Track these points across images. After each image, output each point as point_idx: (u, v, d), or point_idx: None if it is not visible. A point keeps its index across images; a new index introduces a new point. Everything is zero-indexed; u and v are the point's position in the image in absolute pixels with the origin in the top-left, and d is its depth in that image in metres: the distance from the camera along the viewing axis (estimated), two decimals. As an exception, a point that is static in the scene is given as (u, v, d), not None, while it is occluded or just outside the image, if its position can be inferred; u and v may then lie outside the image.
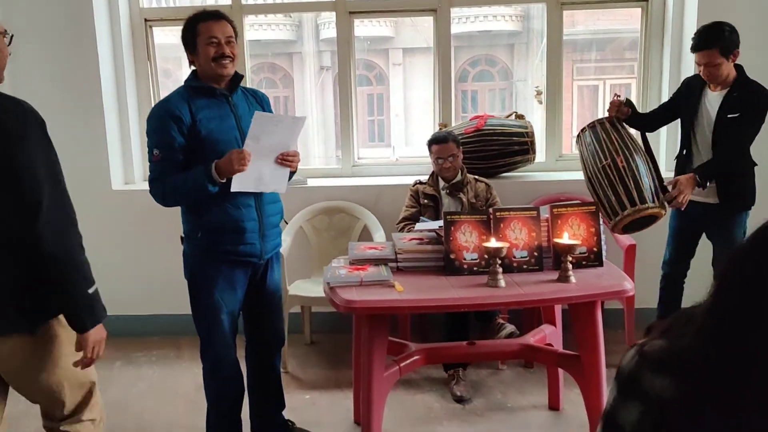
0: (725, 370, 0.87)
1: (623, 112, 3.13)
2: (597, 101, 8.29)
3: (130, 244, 3.92)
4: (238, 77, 2.47)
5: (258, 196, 2.46)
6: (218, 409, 2.60)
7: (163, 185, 2.37)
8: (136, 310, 3.99)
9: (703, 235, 3.25)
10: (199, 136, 2.34)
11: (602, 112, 3.51)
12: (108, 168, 3.88)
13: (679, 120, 3.26)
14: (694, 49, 3.00)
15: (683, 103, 3.22)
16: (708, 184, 3.00)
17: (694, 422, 0.88)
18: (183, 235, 2.52)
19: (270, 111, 2.63)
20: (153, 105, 4.04)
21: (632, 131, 3.19)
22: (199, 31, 2.36)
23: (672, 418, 0.90)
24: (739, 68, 3.06)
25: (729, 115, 3.00)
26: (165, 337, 3.93)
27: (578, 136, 3.20)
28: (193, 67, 2.46)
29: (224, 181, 2.31)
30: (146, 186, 3.99)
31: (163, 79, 4.28)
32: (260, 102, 2.59)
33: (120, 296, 3.91)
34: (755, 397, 0.85)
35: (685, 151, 3.20)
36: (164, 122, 2.33)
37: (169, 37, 6.28)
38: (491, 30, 9.11)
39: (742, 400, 0.86)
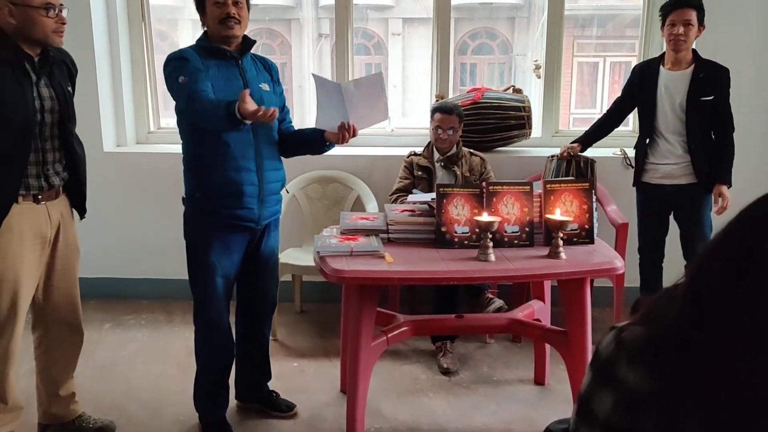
0: (702, 362, 0.84)
1: (576, 152, 3.41)
2: (596, 78, 8.22)
3: (121, 207, 3.90)
4: (249, 42, 2.48)
5: (260, 162, 2.46)
6: (208, 373, 2.62)
7: (201, 103, 2.24)
8: (126, 273, 3.99)
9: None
10: None
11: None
12: (100, 130, 3.84)
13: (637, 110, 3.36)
14: (674, 6, 3.03)
15: (640, 91, 3.25)
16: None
17: (667, 416, 0.87)
18: (184, 197, 2.51)
19: (278, 79, 2.63)
20: (147, 67, 4.04)
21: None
22: None
23: (645, 411, 0.88)
24: (694, 50, 3.12)
25: (702, 98, 3.03)
26: (156, 300, 3.93)
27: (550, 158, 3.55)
28: (204, 28, 2.46)
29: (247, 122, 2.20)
30: (138, 149, 4.04)
31: (158, 40, 4.22)
32: (269, 70, 2.60)
33: (110, 258, 3.92)
34: (731, 392, 0.82)
35: (648, 140, 3.23)
36: (183, 60, 2.35)
37: (165, -1, 6.17)
38: (492, 2, 8.99)
39: (717, 396, 0.84)
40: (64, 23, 2.22)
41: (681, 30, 3.01)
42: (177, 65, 2.36)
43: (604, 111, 3.51)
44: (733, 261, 0.85)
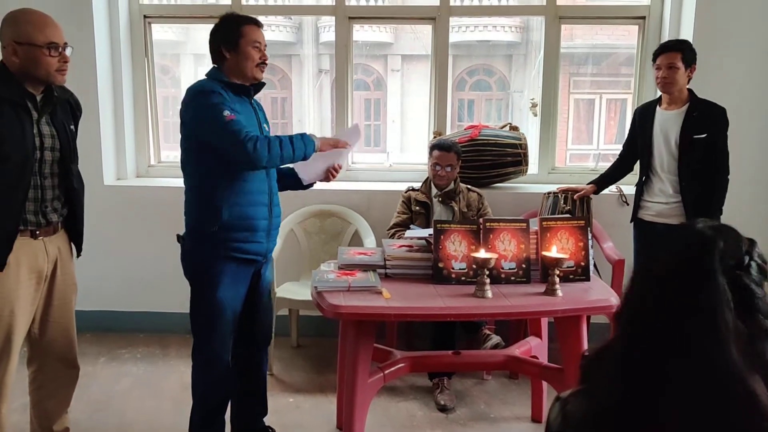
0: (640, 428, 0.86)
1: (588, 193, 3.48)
2: (592, 115, 8.31)
3: (120, 240, 3.91)
4: (260, 83, 2.55)
5: (271, 196, 2.52)
6: (204, 409, 2.59)
7: (267, 139, 2.34)
8: (123, 306, 3.98)
9: None
10: None
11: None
12: (101, 163, 3.87)
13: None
14: (660, 51, 3.15)
15: (639, 131, 3.33)
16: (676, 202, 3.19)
17: None
18: (182, 234, 2.52)
19: (267, 123, 2.70)
20: (149, 101, 4.08)
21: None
22: (243, 32, 2.43)
23: None
24: (690, 90, 3.19)
25: (695, 136, 3.09)
26: (151, 334, 3.92)
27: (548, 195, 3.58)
28: (214, 65, 2.49)
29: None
30: (138, 182, 4.06)
31: (161, 75, 4.28)
32: (263, 110, 2.67)
33: (107, 292, 3.92)
34: None
35: (644, 178, 3.29)
36: (213, 94, 2.34)
37: (167, 34, 6.28)
38: (490, 40, 9.13)
39: None
40: (66, 62, 2.25)
41: (665, 73, 3.11)
42: (217, 99, 2.33)
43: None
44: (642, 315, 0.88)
